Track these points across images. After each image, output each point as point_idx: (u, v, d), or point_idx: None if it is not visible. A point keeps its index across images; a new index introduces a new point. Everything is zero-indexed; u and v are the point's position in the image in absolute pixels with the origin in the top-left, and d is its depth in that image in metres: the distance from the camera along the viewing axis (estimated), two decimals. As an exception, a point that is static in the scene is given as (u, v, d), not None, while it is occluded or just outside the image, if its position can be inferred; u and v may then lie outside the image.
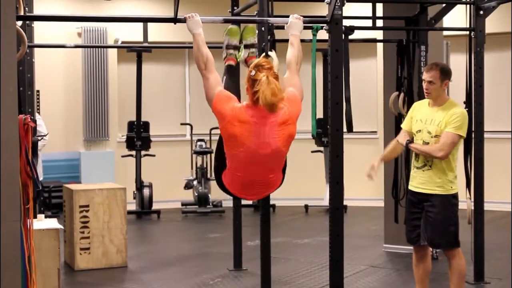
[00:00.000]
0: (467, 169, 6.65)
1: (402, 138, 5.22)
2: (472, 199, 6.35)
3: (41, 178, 8.82)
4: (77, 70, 11.08)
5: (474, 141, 6.43)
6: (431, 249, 7.33)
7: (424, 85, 5.13)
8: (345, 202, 5.20)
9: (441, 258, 7.32)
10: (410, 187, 5.21)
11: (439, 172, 5.01)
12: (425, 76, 5.11)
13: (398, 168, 7.42)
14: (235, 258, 6.96)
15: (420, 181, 5.08)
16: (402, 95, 7.12)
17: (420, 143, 5.08)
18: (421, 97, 6.82)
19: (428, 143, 5.04)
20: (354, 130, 6.46)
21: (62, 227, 5.78)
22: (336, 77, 4.56)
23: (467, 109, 6.44)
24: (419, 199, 5.09)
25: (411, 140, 5.13)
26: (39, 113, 8.71)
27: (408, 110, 7.07)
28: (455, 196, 5.08)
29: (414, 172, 5.15)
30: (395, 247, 7.47)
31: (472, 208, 6.34)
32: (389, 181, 7.52)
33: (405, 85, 7.10)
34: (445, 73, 5.10)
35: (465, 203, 6.23)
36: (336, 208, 4.54)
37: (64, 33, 10.74)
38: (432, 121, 5.07)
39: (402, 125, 5.42)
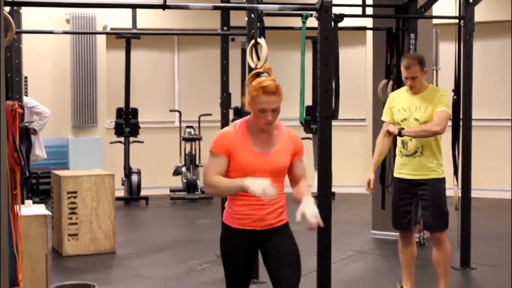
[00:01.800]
0: (455, 157, 6.68)
1: (392, 127, 5.20)
2: (460, 186, 6.39)
3: (45, 157, 8.88)
4: (65, 57, 11.03)
5: (462, 128, 6.46)
6: (416, 234, 7.38)
7: (407, 82, 5.10)
8: (333, 189, 5.23)
9: (428, 244, 7.36)
10: (399, 175, 5.20)
11: (430, 157, 5.05)
12: (407, 74, 5.06)
13: (386, 155, 7.44)
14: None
15: (412, 168, 5.08)
16: (391, 82, 7.13)
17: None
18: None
19: None
20: (343, 117, 6.49)
21: (50, 213, 5.77)
22: (325, 64, 4.56)
23: (455, 97, 6.46)
24: (411, 185, 5.10)
25: (402, 128, 5.13)
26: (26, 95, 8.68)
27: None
28: (444, 180, 5.16)
29: (403, 160, 5.15)
30: (383, 234, 7.51)
31: (460, 195, 6.39)
32: (377, 168, 7.54)
33: (394, 72, 7.11)
34: (423, 63, 5.12)
35: (453, 190, 6.27)
36: (325, 195, 4.55)
37: (53, 19, 10.68)
38: (418, 108, 5.08)
39: (383, 118, 5.36)
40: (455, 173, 6.73)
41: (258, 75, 3.57)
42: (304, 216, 3.43)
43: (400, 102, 5.18)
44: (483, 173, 8.46)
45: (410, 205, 5.14)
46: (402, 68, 5.11)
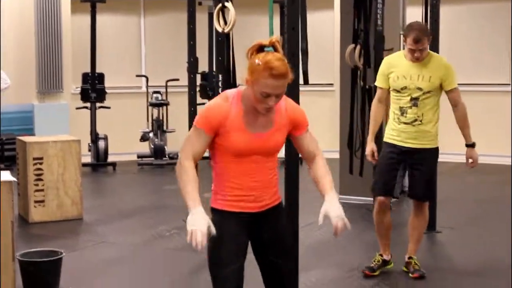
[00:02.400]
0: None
1: (386, 96, 5.11)
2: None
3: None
4: (29, 21, 10.83)
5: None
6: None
7: (414, 54, 4.89)
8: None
9: (394, 208, 7.44)
10: (392, 141, 5.04)
11: (429, 125, 4.96)
12: (416, 47, 4.84)
13: (353, 120, 7.48)
14: (191, 210, 6.97)
15: (410, 136, 4.97)
16: (358, 47, 7.13)
17: (407, 99, 4.93)
18: (377, 50, 6.85)
19: (417, 98, 4.89)
20: (310, 82, 6.46)
21: (15, 179, 5.71)
22: (292, 28, 4.52)
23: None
24: (403, 152, 4.99)
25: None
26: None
27: (364, 62, 7.12)
28: (438, 150, 5.13)
29: (401, 127, 4.98)
30: (350, 198, 7.55)
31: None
32: (345, 133, 7.58)
33: (361, 37, 7.11)
34: (429, 34, 5.01)
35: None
36: (292, 160, 4.55)
37: (16, -18, 10.49)
38: (421, 77, 4.92)
39: (377, 84, 5.17)
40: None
41: (262, 48, 3.05)
42: (328, 218, 3.18)
43: (399, 69, 4.99)
44: (447, 137, 8.50)
45: (397, 170, 5.04)
46: (410, 41, 4.85)
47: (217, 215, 3.18)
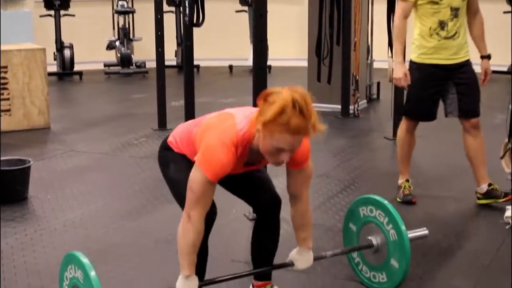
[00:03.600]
0: (390, 29, 6.72)
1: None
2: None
3: None
4: None
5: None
6: (350, 106, 7.50)
7: None
8: (269, 62, 5.22)
9: (362, 115, 7.51)
10: (434, 61, 4.53)
11: (464, 36, 4.57)
12: None
13: (322, 27, 7.44)
14: (159, 118, 6.98)
15: (451, 52, 4.51)
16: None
17: (447, 11, 4.45)
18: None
19: (457, 8, 4.48)
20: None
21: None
22: (260, 15, 4.40)
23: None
24: (447, 70, 4.53)
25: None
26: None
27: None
28: None
29: (441, 44, 4.49)
30: (318, 106, 7.50)
31: (394, 67, 6.44)
32: (313, 41, 7.55)
33: None
34: None
35: (387, 62, 6.28)
36: (260, 68, 4.53)
37: None
38: None
39: None
40: (390, 44, 6.79)
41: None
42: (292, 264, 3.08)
43: None
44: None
45: (439, 93, 4.60)
46: None
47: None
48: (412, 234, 3.31)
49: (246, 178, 3.06)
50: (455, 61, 4.52)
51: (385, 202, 3.31)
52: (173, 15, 10.63)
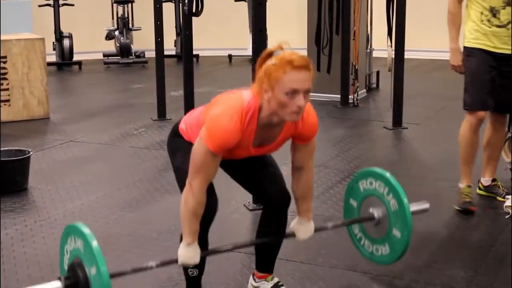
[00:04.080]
0: (389, 18, 6.72)
1: None
2: (393, 47, 6.45)
3: None
4: None
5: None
6: (350, 96, 7.47)
7: None
8: (268, 51, 5.19)
9: (362, 105, 7.50)
10: (484, 47, 4.28)
11: None
12: None
13: (321, 16, 7.42)
14: (158, 108, 6.98)
15: (502, 41, 4.24)
16: None
17: None
18: None
19: None
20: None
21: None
22: (259, 4, 4.37)
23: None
24: (497, 59, 4.28)
25: None
26: None
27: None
28: None
29: (492, 31, 4.24)
30: (317, 95, 7.54)
31: (393, 56, 6.45)
32: (312, 30, 7.53)
33: None
34: None
35: (386, 52, 6.31)
36: (259, 57, 4.51)
37: None
38: None
39: None
40: (389, 34, 6.79)
41: (271, 54, 2.76)
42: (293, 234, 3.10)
43: None
44: (416, 33, 8.55)
45: (494, 80, 4.31)
46: None
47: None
48: (413, 207, 3.26)
49: (260, 170, 3.07)
50: (506, 51, 4.24)
51: (384, 172, 3.26)
52: (172, 5, 10.62)
